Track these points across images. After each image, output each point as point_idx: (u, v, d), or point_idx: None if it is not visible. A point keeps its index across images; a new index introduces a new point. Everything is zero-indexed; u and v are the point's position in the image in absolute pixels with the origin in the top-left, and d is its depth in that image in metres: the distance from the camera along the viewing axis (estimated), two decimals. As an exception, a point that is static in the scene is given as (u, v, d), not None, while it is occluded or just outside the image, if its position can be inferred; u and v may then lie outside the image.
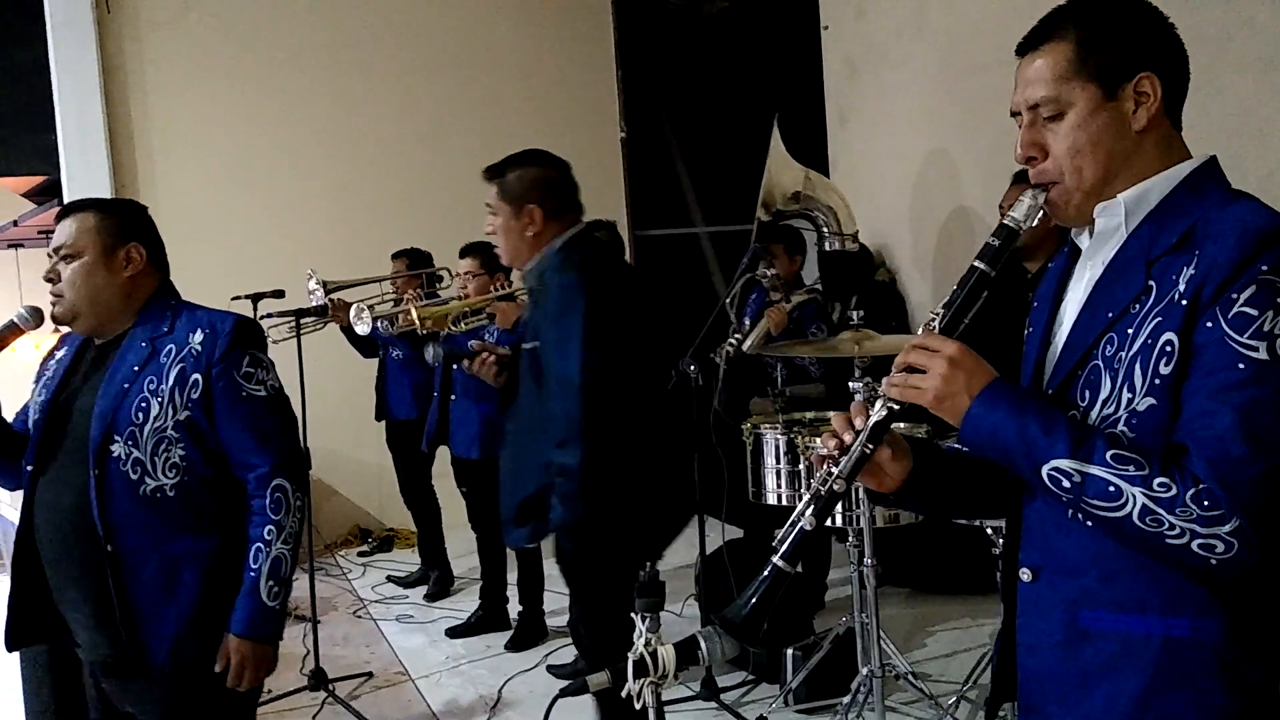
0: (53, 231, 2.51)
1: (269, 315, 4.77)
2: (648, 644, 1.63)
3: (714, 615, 1.59)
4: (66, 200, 6.74)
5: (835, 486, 1.56)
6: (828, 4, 6.80)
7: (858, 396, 3.50)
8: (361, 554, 6.98)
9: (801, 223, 5.63)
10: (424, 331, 4.98)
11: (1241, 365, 1.36)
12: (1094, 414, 1.48)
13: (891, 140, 6.27)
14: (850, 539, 3.89)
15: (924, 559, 5.22)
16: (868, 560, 3.69)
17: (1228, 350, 1.37)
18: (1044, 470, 1.43)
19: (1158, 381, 1.42)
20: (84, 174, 6.67)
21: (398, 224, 6.72)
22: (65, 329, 2.56)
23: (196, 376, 2.40)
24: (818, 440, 3.86)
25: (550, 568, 3.89)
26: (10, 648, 2.52)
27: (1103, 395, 1.47)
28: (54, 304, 2.47)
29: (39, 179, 8.23)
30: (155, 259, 2.53)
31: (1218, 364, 1.37)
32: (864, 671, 3.69)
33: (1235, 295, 1.37)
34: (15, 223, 8.88)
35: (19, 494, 2.52)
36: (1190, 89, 1.56)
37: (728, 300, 4.25)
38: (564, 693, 1.65)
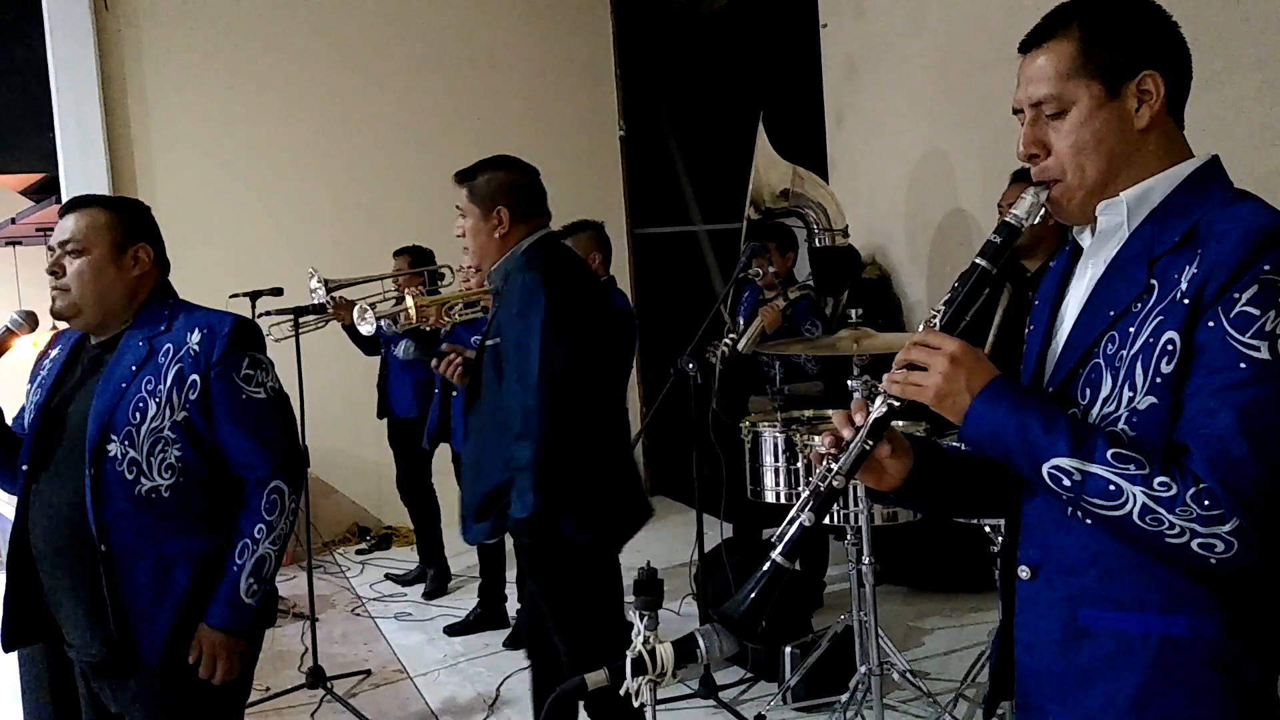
0: (51, 229, 2.51)
1: (267, 313, 4.77)
2: (646, 642, 1.63)
3: (713, 611, 1.59)
4: (65, 198, 6.75)
5: (835, 483, 1.57)
6: (827, 3, 6.80)
7: (856, 394, 3.51)
8: (360, 552, 6.99)
9: (792, 220, 5.64)
10: (427, 327, 4.98)
11: (1243, 365, 1.36)
12: (1094, 412, 1.48)
13: (890, 139, 6.27)
14: (848, 537, 3.89)
15: (922, 557, 5.22)
16: (866, 558, 3.70)
17: (1229, 350, 1.37)
18: (1044, 468, 1.43)
19: (1159, 380, 1.42)
20: (82, 172, 6.67)
21: (396, 222, 6.72)
22: (61, 325, 2.55)
23: (195, 377, 2.39)
24: (816, 438, 3.88)
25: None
26: (7, 648, 2.51)
27: (1103, 394, 1.47)
28: (56, 298, 2.45)
29: (37, 176, 8.22)
30: (159, 259, 2.54)
31: (1219, 363, 1.37)
32: (862, 669, 3.69)
33: (1237, 295, 1.37)
34: (13, 220, 8.88)
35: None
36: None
37: (722, 303, 4.25)
38: (562, 691, 1.65)
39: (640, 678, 1.61)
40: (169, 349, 2.41)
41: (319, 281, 5.40)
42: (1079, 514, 1.47)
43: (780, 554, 1.55)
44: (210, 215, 6.99)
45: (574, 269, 3.27)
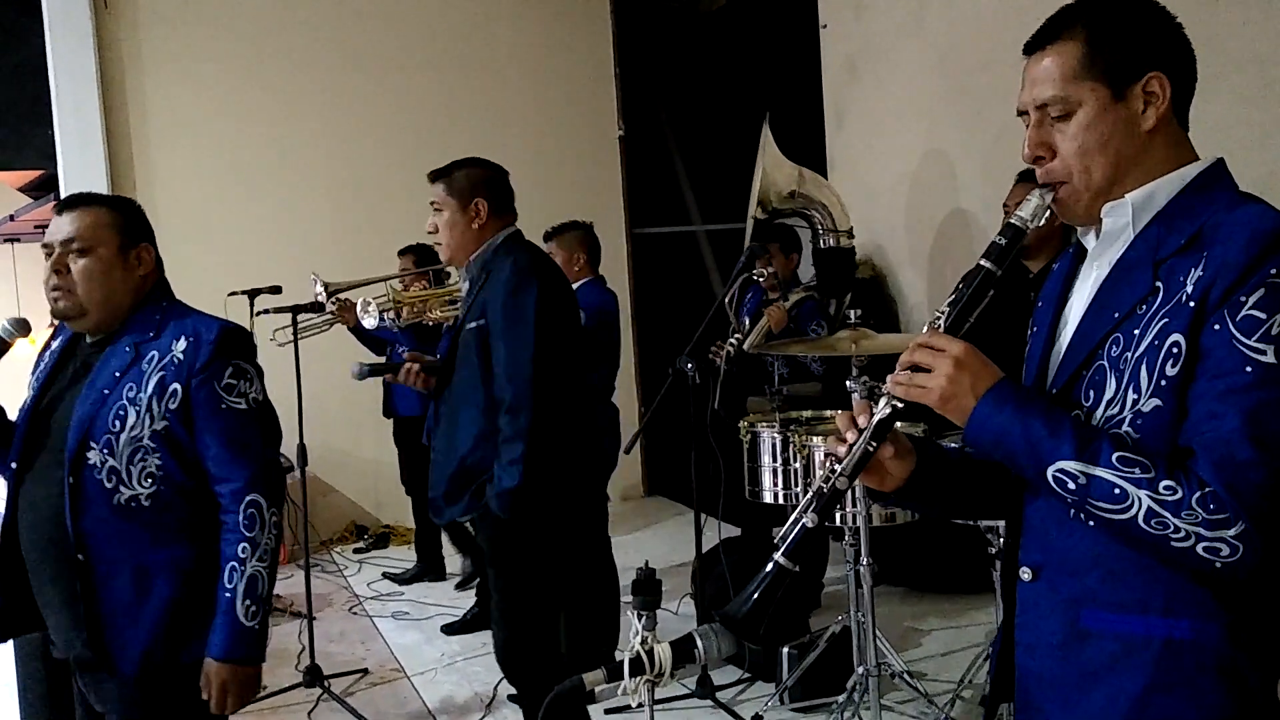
0: (49, 226, 2.48)
1: (265, 311, 4.76)
2: (644, 642, 1.63)
3: (715, 612, 1.59)
4: (64, 195, 6.74)
5: (838, 484, 1.56)
6: (826, 3, 6.80)
7: (854, 395, 3.51)
8: (357, 551, 6.98)
9: (796, 220, 5.63)
10: (430, 322, 4.98)
11: (1249, 368, 1.36)
12: (1098, 414, 1.47)
13: (889, 140, 6.27)
14: (847, 538, 3.89)
15: (920, 558, 5.22)
16: (864, 559, 3.70)
17: (1235, 353, 1.36)
18: (1049, 472, 1.42)
19: (1164, 383, 1.41)
20: (81, 169, 6.67)
21: (395, 221, 6.70)
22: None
23: (176, 386, 2.33)
24: (815, 439, 3.90)
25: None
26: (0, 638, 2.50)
27: (1107, 395, 1.47)
28: (58, 299, 2.40)
29: (36, 173, 8.21)
30: (157, 260, 2.51)
31: (1225, 367, 1.37)
32: (859, 670, 3.69)
33: (1243, 298, 1.37)
34: (12, 217, 8.88)
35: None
36: (1189, 89, 1.56)
37: (726, 300, 4.25)
38: (560, 690, 1.65)
39: (638, 678, 1.60)
40: (154, 356, 2.36)
41: (321, 285, 5.37)
42: (1083, 517, 1.47)
43: (783, 555, 1.55)
44: (209, 213, 6.98)
45: (552, 263, 3.50)
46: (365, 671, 4.85)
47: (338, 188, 7.30)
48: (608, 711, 4.04)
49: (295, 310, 4.69)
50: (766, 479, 4.09)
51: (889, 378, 1.55)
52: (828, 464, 1.59)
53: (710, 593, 4.50)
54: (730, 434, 4.22)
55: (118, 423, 2.31)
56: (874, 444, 1.56)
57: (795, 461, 3.97)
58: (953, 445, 1.77)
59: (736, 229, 6.56)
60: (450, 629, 5.30)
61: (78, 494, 2.30)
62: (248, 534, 2.33)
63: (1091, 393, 1.49)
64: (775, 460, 4.06)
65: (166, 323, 2.41)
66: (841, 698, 3.75)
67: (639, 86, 8.11)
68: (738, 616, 1.55)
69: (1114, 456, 1.39)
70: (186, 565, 2.35)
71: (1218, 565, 1.36)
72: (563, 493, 3.24)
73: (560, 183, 7.54)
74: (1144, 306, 1.46)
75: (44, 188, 8.38)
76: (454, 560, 6.09)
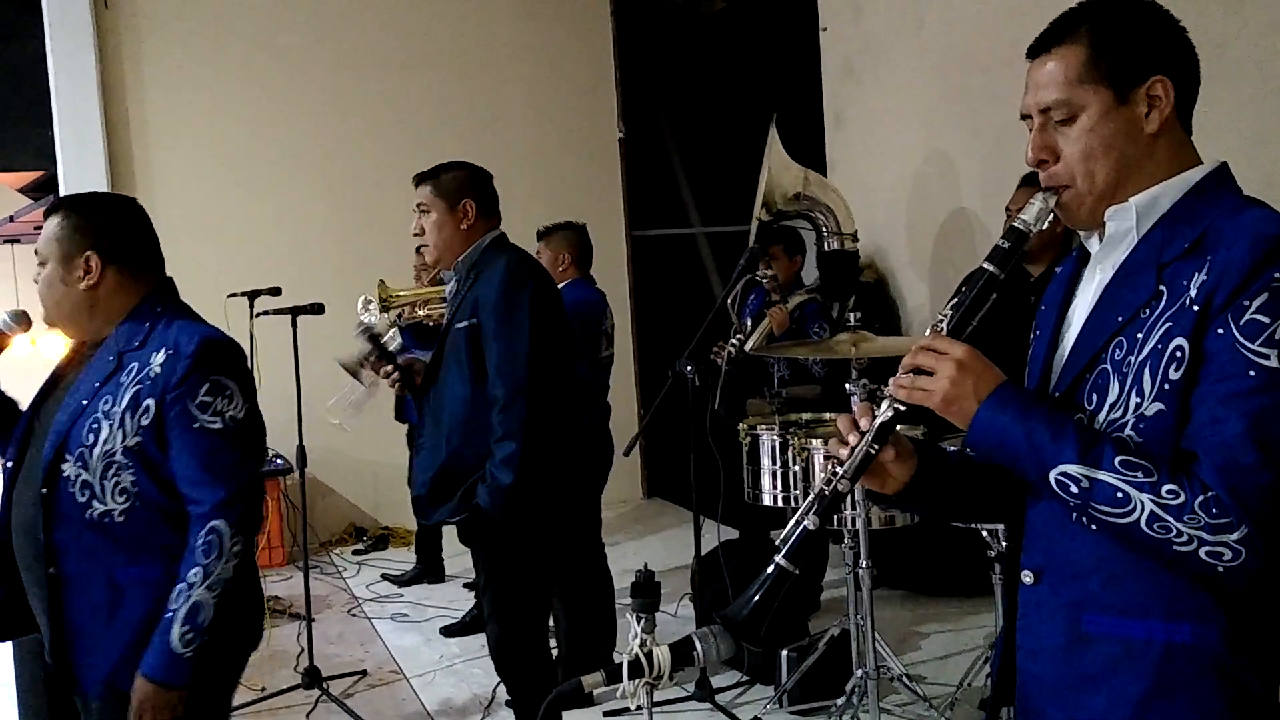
0: None
1: (265, 313, 4.75)
2: (643, 644, 1.63)
3: (716, 613, 1.59)
4: (62, 196, 6.74)
5: (839, 487, 1.56)
6: (826, 5, 6.80)
7: (854, 398, 3.50)
8: (356, 552, 6.97)
9: (800, 223, 5.64)
10: (431, 322, 4.96)
11: (1252, 373, 1.36)
12: (1101, 418, 1.47)
13: (889, 141, 6.27)
14: (846, 541, 3.89)
15: (919, 561, 5.22)
16: (863, 562, 3.69)
17: (1239, 357, 1.36)
18: (1052, 475, 1.42)
19: (1167, 387, 1.41)
20: (80, 170, 6.66)
21: (395, 221, 6.70)
22: None
23: (150, 402, 2.21)
24: (814, 441, 3.90)
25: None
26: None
27: (1110, 399, 1.47)
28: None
29: (36, 174, 8.21)
30: (131, 266, 2.34)
31: (1228, 371, 1.37)
32: (858, 673, 3.69)
33: (1247, 302, 1.37)
34: (11, 218, 8.86)
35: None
36: (1190, 93, 1.56)
37: (729, 301, 4.25)
38: (559, 692, 1.65)
39: (637, 680, 1.60)
40: (134, 368, 2.25)
41: (365, 304, 5.22)
42: (1085, 520, 1.47)
43: (784, 557, 1.55)
44: (209, 214, 6.98)
45: (539, 264, 3.53)
46: (364, 673, 4.84)
47: (338, 188, 7.30)
48: (606, 714, 4.04)
49: (295, 312, 4.68)
50: (766, 481, 4.09)
51: (891, 380, 1.55)
52: (829, 466, 1.59)
53: (709, 595, 4.49)
54: (730, 436, 4.22)
55: (91, 435, 2.22)
56: (875, 446, 1.56)
57: (795, 464, 3.97)
58: (953, 448, 1.76)
59: (736, 231, 6.57)
60: (449, 631, 5.30)
61: (51, 505, 2.23)
62: (202, 560, 2.19)
63: (1095, 396, 1.49)
64: (775, 463, 4.05)
65: (154, 332, 2.29)
66: (840, 700, 3.75)
67: (639, 88, 8.11)
68: (739, 618, 1.55)
69: (1116, 460, 1.39)
70: (160, 586, 2.23)
71: (1220, 569, 1.36)
72: (554, 492, 3.26)
73: (560, 184, 7.54)
74: (1147, 310, 1.46)
75: (44, 189, 8.38)
76: (453, 562, 6.09)
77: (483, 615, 5.27)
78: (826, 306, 5.33)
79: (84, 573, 2.24)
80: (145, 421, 2.21)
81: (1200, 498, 1.35)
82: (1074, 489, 1.41)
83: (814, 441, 3.94)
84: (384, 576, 6.37)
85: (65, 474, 2.22)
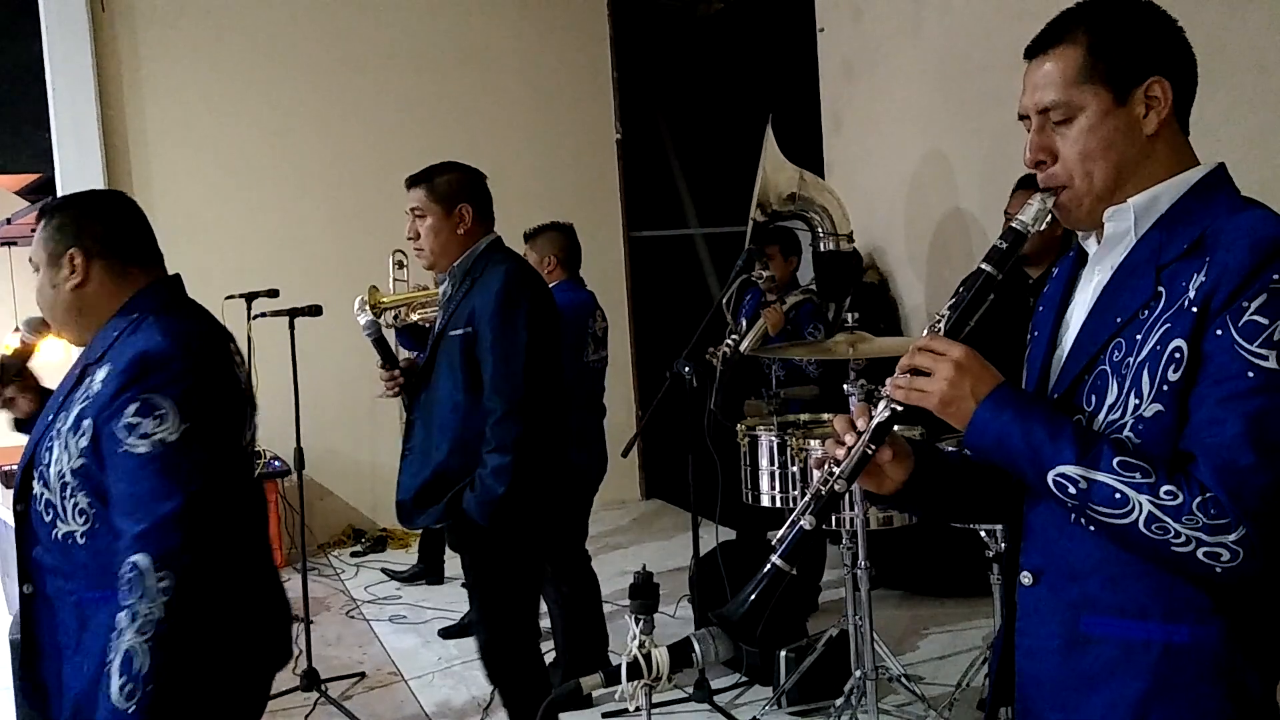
0: None
1: (263, 315, 4.75)
2: (641, 646, 1.63)
3: (712, 613, 1.59)
4: (59, 198, 6.73)
5: (836, 487, 1.56)
6: (824, 6, 6.81)
7: (852, 399, 3.51)
8: (355, 554, 6.97)
9: (796, 223, 5.64)
10: (427, 324, 4.95)
11: (1251, 374, 1.36)
12: (1100, 419, 1.47)
13: (887, 143, 6.27)
14: (844, 541, 3.89)
15: (917, 562, 5.22)
16: (861, 563, 3.69)
17: (1237, 358, 1.37)
18: (1049, 476, 1.42)
19: (1165, 388, 1.41)
20: (78, 172, 6.65)
21: (393, 222, 6.70)
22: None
23: (87, 422, 2.03)
24: (812, 442, 3.90)
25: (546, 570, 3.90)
26: None
27: (1109, 400, 1.47)
28: None
29: (33, 177, 8.21)
30: (119, 260, 2.20)
31: (1227, 372, 1.37)
32: (857, 674, 3.69)
33: (1246, 303, 1.37)
34: (9, 220, 8.86)
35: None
36: (1188, 94, 1.56)
37: (724, 301, 4.24)
38: (557, 694, 1.65)
39: (636, 681, 1.60)
40: (88, 383, 2.09)
41: (362, 305, 5.19)
42: (1083, 521, 1.47)
43: (781, 557, 1.55)
44: (206, 216, 6.97)
45: (536, 272, 3.49)
46: (362, 675, 4.84)
47: (335, 190, 7.29)
48: (605, 715, 4.04)
49: (292, 314, 4.68)
50: (765, 482, 4.09)
51: (889, 381, 1.55)
52: (826, 466, 1.59)
53: (707, 596, 4.49)
54: (728, 437, 4.22)
55: (47, 454, 2.09)
56: (872, 447, 1.56)
57: (793, 465, 3.97)
58: (950, 449, 1.76)
59: (734, 232, 6.56)
60: (447, 633, 5.29)
61: (25, 522, 2.14)
62: (125, 601, 1.95)
63: (1093, 397, 1.49)
64: (773, 464, 4.05)
65: (118, 341, 2.12)
66: (839, 701, 3.75)
67: (636, 90, 8.11)
68: (734, 618, 1.56)
69: (1115, 461, 1.39)
70: None
71: (1218, 570, 1.36)
72: (542, 501, 3.23)
73: (557, 186, 7.54)
74: (1146, 311, 1.46)
75: (41, 191, 8.38)
76: (453, 564, 6.08)
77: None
78: (822, 307, 5.33)
79: (55, 592, 2.13)
80: (84, 443, 2.04)
81: (1198, 499, 1.35)
82: (1072, 490, 1.41)
83: (812, 442, 3.94)
84: (384, 570, 6.37)
85: (34, 491, 2.12)
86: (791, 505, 3.97)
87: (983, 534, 3.59)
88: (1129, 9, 1.53)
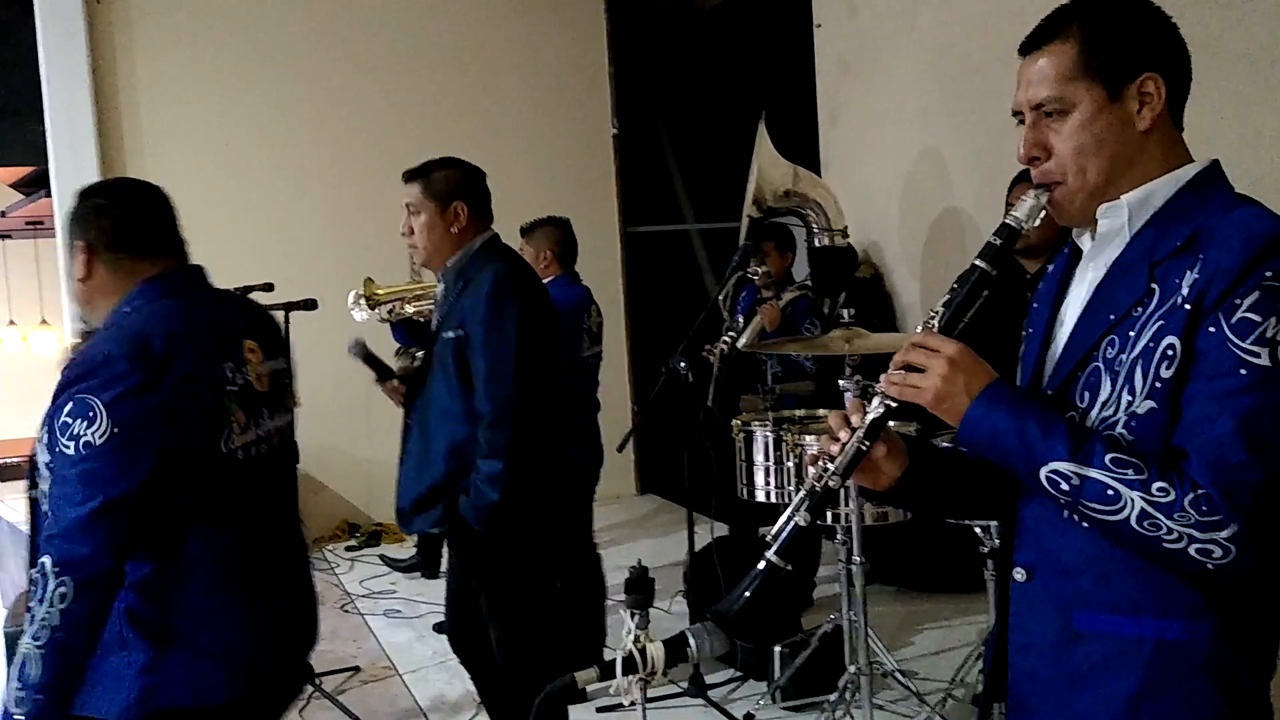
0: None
1: (258, 308, 4.73)
2: (636, 640, 1.63)
3: (707, 610, 1.60)
4: (55, 191, 6.72)
5: (830, 483, 1.56)
6: (820, 2, 6.80)
7: (848, 394, 3.51)
8: (349, 549, 6.97)
9: (791, 219, 5.64)
10: (423, 319, 4.94)
11: (1243, 371, 1.36)
12: (1093, 415, 1.48)
13: (883, 139, 6.27)
14: (839, 537, 3.89)
15: (912, 557, 5.23)
16: (856, 558, 3.70)
17: (1230, 355, 1.37)
18: (1042, 472, 1.43)
19: (1158, 385, 1.42)
20: (72, 165, 6.64)
21: (389, 217, 6.69)
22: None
23: (49, 419, 2.00)
24: (808, 438, 3.91)
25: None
26: None
27: (1102, 397, 1.47)
28: None
29: (27, 170, 8.18)
30: (124, 252, 2.17)
31: (1219, 369, 1.37)
32: (851, 669, 3.69)
33: (1239, 301, 1.37)
34: (3, 213, 8.84)
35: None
36: (1183, 90, 1.56)
37: (721, 297, 4.24)
38: (551, 689, 1.65)
39: (631, 676, 1.61)
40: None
41: (357, 299, 5.19)
42: (1076, 518, 1.47)
43: (775, 553, 1.55)
44: (201, 209, 6.89)
45: (531, 270, 3.43)
46: (357, 669, 4.84)
47: (331, 184, 7.29)
48: (600, 710, 4.04)
49: (288, 308, 4.67)
50: (760, 477, 4.09)
51: (883, 377, 1.56)
52: (820, 463, 1.59)
53: (702, 591, 4.50)
54: (723, 433, 4.23)
55: (38, 445, 2.07)
56: (867, 443, 1.56)
57: (788, 460, 3.97)
58: (945, 445, 1.77)
59: (730, 228, 6.55)
60: (442, 627, 5.29)
61: (34, 509, 2.11)
62: (30, 605, 1.92)
63: (1087, 394, 1.49)
64: (768, 459, 4.06)
65: (98, 338, 2.09)
66: (833, 696, 3.75)
67: (633, 85, 8.10)
68: (729, 614, 1.56)
69: (1107, 458, 1.39)
70: (117, 605, 2.04)
71: (1210, 567, 1.36)
72: (540, 501, 3.20)
73: (553, 181, 7.53)
74: (1139, 309, 1.46)
75: (35, 184, 8.36)
76: (448, 559, 6.09)
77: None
78: (818, 303, 5.33)
79: None
80: (45, 439, 2.01)
81: (1190, 495, 1.35)
82: (1064, 486, 1.42)
83: (807, 437, 3.94)
84: (382, 558, 6.39)
85: (39, 483, 2.10)
86: (786, 500, 3.97)
87: (977, 530, 3.59)
88: (1123, 5, 1.53)
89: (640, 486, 8.10)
